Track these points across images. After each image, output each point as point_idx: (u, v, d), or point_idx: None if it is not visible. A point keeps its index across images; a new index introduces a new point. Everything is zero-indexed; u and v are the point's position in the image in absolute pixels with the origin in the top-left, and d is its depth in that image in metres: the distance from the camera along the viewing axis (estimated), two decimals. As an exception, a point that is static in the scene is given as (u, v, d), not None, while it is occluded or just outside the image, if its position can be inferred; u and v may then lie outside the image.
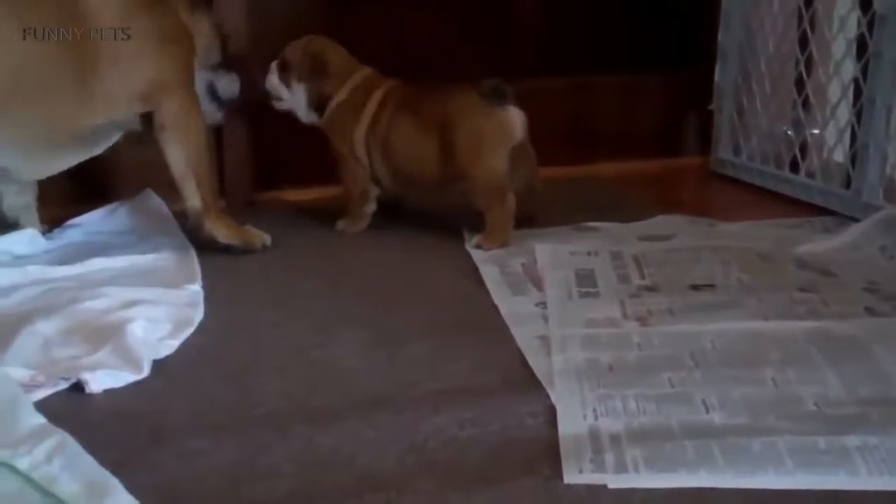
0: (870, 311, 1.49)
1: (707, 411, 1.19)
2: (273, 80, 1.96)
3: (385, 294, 1.65)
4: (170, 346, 1.43)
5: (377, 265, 1.79)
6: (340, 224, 1.98)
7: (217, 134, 2.11)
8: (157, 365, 1.37)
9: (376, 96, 1.92)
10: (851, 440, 1.10)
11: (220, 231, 1.81)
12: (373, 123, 1.91)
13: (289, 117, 2.02)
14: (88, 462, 1.09)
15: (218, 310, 1.57)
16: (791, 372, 1.28)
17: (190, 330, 1.49)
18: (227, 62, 1.95)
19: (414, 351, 1.41)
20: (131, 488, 1.04)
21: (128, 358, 1.35)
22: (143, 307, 1.51)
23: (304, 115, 1.98)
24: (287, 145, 2.11)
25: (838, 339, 1.37)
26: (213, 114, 1.96)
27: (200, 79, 1.87)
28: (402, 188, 1.96)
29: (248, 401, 1.28)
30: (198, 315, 1.54)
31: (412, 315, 1.55)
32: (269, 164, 2.22)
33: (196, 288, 1.63)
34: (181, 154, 1.76)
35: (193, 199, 1.79)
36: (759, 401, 1.21)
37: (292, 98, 1.97)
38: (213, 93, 1.94)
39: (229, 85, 1.95)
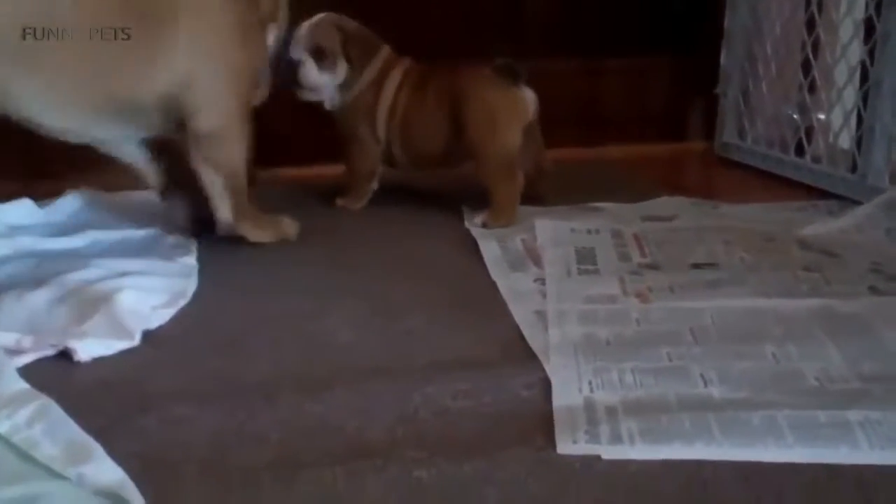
0: (874, 290, 1.46)
1: (705, 385, 1.16)
2: (313, 72, 1.85)
3: (382, 268, 1.62)
4: (162, 316, 1.40)
5: (375, 241, 1.77)
6: (341, 201, 1.95)
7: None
8: (148, 334, 1.35)
9: (395, 74, 1.90)
10: (853, 415, 1.08)
11: (252, 233, 1.70)
12: (393, 102, 1.88)
13: (286, 94, 2.00)
14: (70, 427, 1.06)
15: (213, 281, 1.55)
16: (793, 348, 1.25)
17: (183, 301, 1.47)
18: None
19: (409, 324, 1.39)
20: (114, 454, 1.02)
21: (117, 326, 1.33)
22: (135, 277, 1.49)
23: (335, 97, 1.90)
24: (285, 123, 2.08)
25: (841, 317, 1.35)
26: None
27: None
28: (415, 166, 1.94)
29: (239, 370, 1.26)
30: (191, 286, 1.52)
31: (409, 289, 1.52)
32: (267, 141, 2.19)
33: (191, 260, 1.61)
34: (215, 179, 1.63)
35: (225, 212, 1.67)
36: (760, 375, 1.19)
37: (331, 84, 1.88)
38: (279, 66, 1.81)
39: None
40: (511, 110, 1.80)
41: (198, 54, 1.56)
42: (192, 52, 1.55)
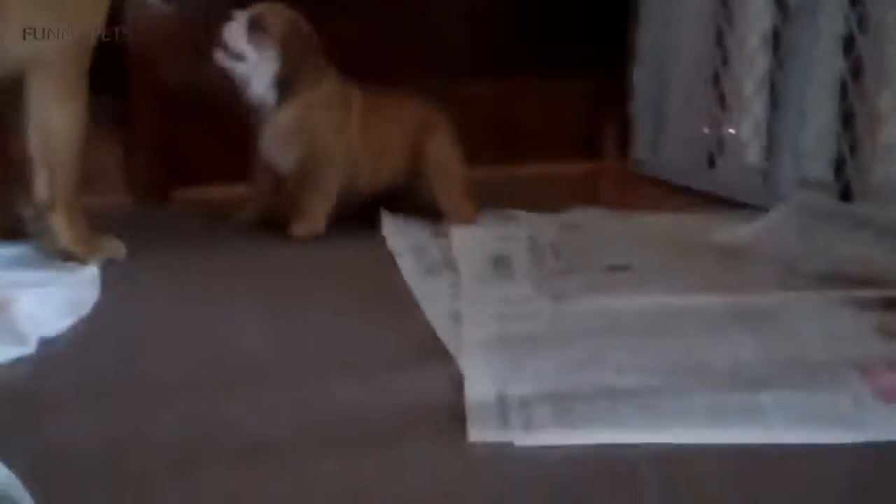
0: (785, 286, 1.47)
1: (619, 374, 1.15)
2: (238, 36, 1.75)
3: (293, 279, 1.59)
4: (60, 325, 1.35)
5: (287, 254, 1.73)
6: (298, 228, 1.79)
7: (124, 125, 2.04)
8: (45, 342, 1.29)
9: (356, 95, 1.87)
10: (765, 397, 1.07)
11: (66, 233, 1.58)
12: (361, 123, 1.86)
13: (205, 110, 1.95)
14: (-44, 428, 1.01)
15: (115, 290, 1.49)
16: (706, 338, 1.25)
17: (84, 310, 1.41)
18: None
19: (318, 329, 1.36)
20: (5, 457, 0.96)
21: (13, 333, 1.27)
22: (33, 287, 1.43)
23: (263, 90, 1.77)
24: (206, 140, 2.04)
25: (754, 310, 1.36)
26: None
27: None
28: (374, 188, 1.89)
29: (137, 376, 1.21)
30: (93, 295, 1.46)
31: (320, 298, 1.49)
32: (186, 159, 2.14)
33: (92, 270, 1.55)
34: (39, 136, 1.55)
35: (42, 189, 1.57)
36: (674, 364, 1.18)
37: (254, 64, 1.76)
38: None
39: None
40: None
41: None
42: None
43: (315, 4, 1.87)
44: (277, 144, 1.83)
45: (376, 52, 2.35)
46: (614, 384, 1.12)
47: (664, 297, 1.42)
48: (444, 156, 1.90)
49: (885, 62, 1.84)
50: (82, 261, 1.59)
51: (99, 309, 1.43)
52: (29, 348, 1.25)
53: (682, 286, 1.47)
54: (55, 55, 1.55)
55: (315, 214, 1.81)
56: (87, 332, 1.35)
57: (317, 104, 1.82)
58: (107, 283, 1.53)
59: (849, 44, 1.89)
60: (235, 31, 1.76)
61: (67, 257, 1.59)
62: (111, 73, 1.67)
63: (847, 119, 1.90)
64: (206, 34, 1.81)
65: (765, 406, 1.06)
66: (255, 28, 1.76)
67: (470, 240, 1.70)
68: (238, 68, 1.78)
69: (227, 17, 1.77)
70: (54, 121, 1.56)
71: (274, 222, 1.84)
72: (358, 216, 1.88)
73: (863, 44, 1.86)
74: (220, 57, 1.77)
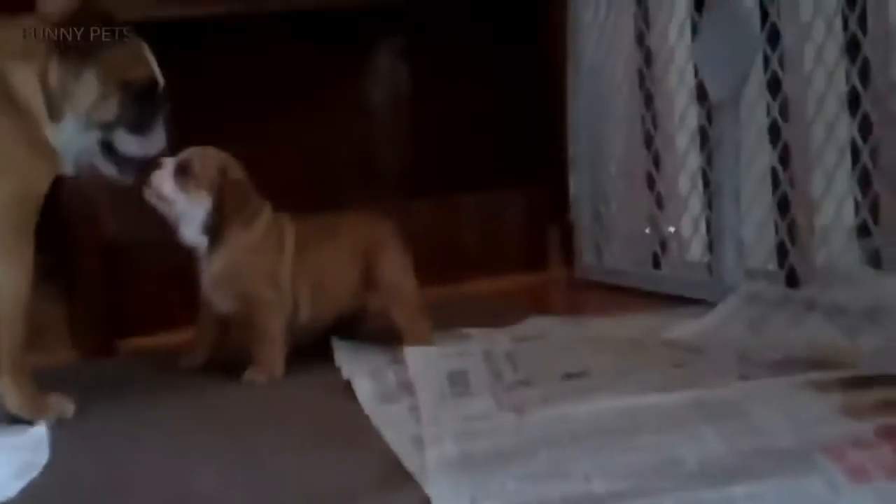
0: (744, 377, 1.47)
1: (587, 481, 1.13)
2: (164, 180, 1.74)
3: (248, 419, 1.56)
4: (10, 491, 1.30)
5: (240, 393, 1.70)
6: (252, 374, 1.76)
7: (65, 280, 2.02)
8: (-4, 509, 1.25)
9: (290, 230, 1.84)
10: (737, 490, 1.05)
11: (14, 397, 1.55)
12: (298, 258, 1.83)
13: (146, 259, 1.94)
14: None
15: (65, 452, 1.45)
16: (671, 437, 1.23)
17: (34, 472, 1.37)
18: (139, 118, 1.65)
19: (278, 465, 1.32)
20: None
21: (-41, 505, 1.22)
22: (-21, 455, 1.39)
23: (193, 234, 1.78)
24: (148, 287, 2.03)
25: (716, 403, 1.34)
26: (110, 172, 1.68)
27: (90, 137, 1.63)
28: (321, 321, 1.87)
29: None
30: (42, 456, 1.42)
31: (279, 436, 1.46)
32: (130, 309, 2.13)
33: (39, 430, 1.51)
34: None
35: None
36: (641, 466, 1.15)
37: (182, 208, 1.76)
38: (108, 152, 1.66)
39: (132, 144, 1.66)
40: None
41: None
42: None
43: (251, 139, 1.89)
44: (213, 289, 1.81)
45: (315, 181, 2.39)
46: (583, 493, 1.10)
47: (624, 399, 1.40)
48: (394, 274, 1.87)
49: (811, 146, 1.89)
50: (30, 422, 1.55)
51: (50, 469, 1.39)
52: (-22, 521, 1.21)
53: (640, 387, 1.45)
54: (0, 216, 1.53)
55: (268, 362, 1.78)
56: (38, 495, 1.30)
57: (248, 249, 1.79)
58: (57, 441, 1.49)
59: (774, 132, 1.94)
60: (162, 176, 1.75)
61: (15, 420, 1.55)
62: (49, 227, 1.65)
63: (783, 206, 1.94)
64: (143, 184, 1.80)
65: (737, 499, 1.04)
66: (182, 173, 1.76)
67: (425, 360, 1.68)
68: (166, 211, 1.77)
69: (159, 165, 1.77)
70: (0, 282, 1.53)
71: (224, 362, 1.82)
72: (309, 346, 1.86)
73: (787, 131, 1.92)
74: (149, 195, 1.76)
